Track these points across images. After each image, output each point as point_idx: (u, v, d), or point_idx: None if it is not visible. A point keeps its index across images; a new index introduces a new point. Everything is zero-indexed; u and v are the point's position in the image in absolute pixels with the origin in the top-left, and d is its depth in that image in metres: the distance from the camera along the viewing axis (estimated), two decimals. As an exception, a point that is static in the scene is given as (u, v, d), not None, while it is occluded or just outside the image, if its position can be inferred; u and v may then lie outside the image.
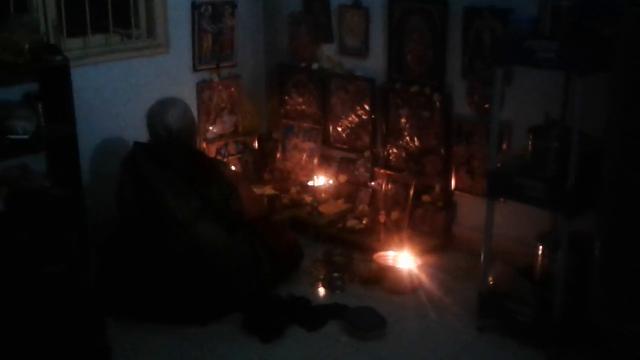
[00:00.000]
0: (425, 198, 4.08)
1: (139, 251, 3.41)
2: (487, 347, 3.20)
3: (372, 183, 4.29)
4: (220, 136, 4.61)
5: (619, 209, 2.75)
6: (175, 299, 3.34)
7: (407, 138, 4.19)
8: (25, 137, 3.43)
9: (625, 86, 2.65)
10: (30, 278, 2.90)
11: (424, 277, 3.72)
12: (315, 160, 4.57)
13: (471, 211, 3.94)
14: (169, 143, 3.61)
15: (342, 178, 4.44)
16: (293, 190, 4.51)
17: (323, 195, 4.42)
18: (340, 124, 4.50)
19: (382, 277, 3.69)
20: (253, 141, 4.75)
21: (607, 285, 2.83)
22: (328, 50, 4.49)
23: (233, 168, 4.55)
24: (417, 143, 4.15)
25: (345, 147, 4.50)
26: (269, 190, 4.50)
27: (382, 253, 3.84)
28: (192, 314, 3.35)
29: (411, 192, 4.09)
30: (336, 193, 4.43)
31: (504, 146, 3.68)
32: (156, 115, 3.66)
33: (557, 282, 3.00)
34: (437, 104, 3.97)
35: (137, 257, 3.41)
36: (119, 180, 3.57)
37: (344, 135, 4.50)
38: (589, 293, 2.92)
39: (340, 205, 4.35)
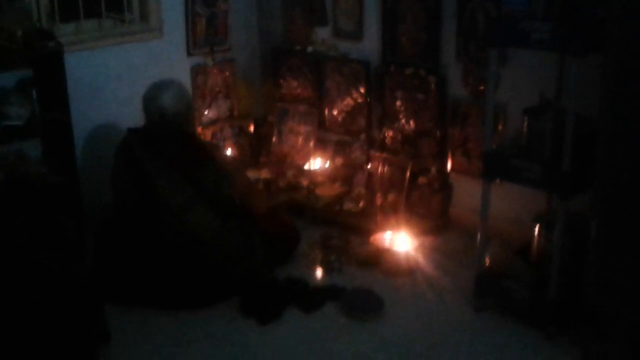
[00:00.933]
0: (422, 180, 4.09)
1: (134, 237, 3.42)
2: (484, 326, 3.22)
3: (368, 166, 4.29)
4: (216, 120, 4.60)
5: (614, 189, 2.76)
6: (170, 285, 3.35)
7: (403, 120, 4.19)
8: (20, 123, 3.43)
9: (617, 67, 2.65)
10: (25, 264, 2.90)
11: (420, 259, 3.74)
12: (311, 144, 4.58)
13: (467, 193, 3.95)
14: (162, 127, 3.55)
15: (338, 161, 4.45)
16: (289, 173, 4.51)
17: (319, 178, 4.43)
18: (335, 107, 4.50)
19: (379, 259, 3.71)
20: (248, 125, 4.74)
21: (603, 265, 2.84)
22: (322, 34, 4.48)
23: (230, 153, 4.55)
24: (412, 125, 4.15)
25: (341, 130, 4.50)
26: (265, 174, 4.51)
27: (378, 235, 3.86)
28: (188, 300, 3.36)
29: (407, 174, 4.10)
30: (332, 176, 4.43)
31: (500, 128, 3.69)
32: (151, 97, 3.59)
33: (553, 262, 3.02)
34: (432, 86, 3.97)
35: (132, 243, 3.42)
36: (114, 167, 3.57)
37: (339, 118, 4.50)
38: (584, 273, 2.94)
39: (337, 188, 4.35)
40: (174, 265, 3.35)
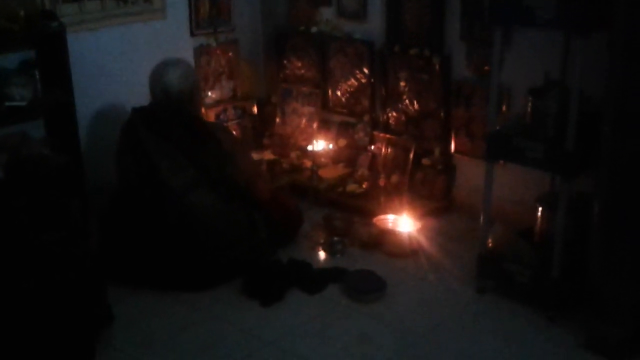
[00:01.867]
0: (425, 161, 4.08)
1: (137, 218, 3.42)
2: (486, 308, 3.23)
3: (372, 147, 4.28)
4: (219, 101, 4.59)
5: (618, 169, 2.74)
6: (174, 266, 3.36)
7: (407, 101, 4.17)
8: (23, 103, 3.42)
9: (623, 46, 2.63)
10: (30, 245, 2.91)
11: (423, 240, 3.73)
12: (315, 125, 4.56)
13: (471, 174, 3.93)
14: (166, 107, 3.54)
15: (342, 142, 4.44)
16: (293, 155, 4.51)
17: (323, 159, 4.42)
18: (339, 87, 4.48)
19: (382, 241, 3.71)
20: (252, 106, 4.73)
21: (606, 246, 2.84)
22: (326, 14, 4.44)
23: (234, 133, 4.53)
24: (416, 106, 4.13)
25: (344, 111, 4.48)
26: (268, 155, 4.50)
27: (382, 216, 3.85)
28: (191, 281, 3.37)
29: (411, 155, 4.09)
30: (336, 157, 4.43)
31: (504, 108, 3.67)
32: (157, 75, 3.58)
33: (556, 243, 3.01)
34: (436, 66, 3.95)
35: (136, 223, 3.42)
36: (118, 147, 3.56)
37: (343, 99, 4.48)
38: (587, 254, 2.93)
39: (340, 169, 4.35)
40: (177, 246, 3.35)
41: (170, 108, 3.54)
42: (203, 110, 4.43)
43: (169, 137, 3.47)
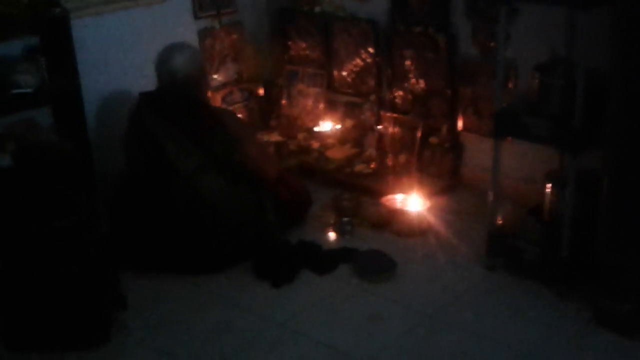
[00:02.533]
0: (432, 140, 4.07)
1: (146, 202, 3.44)
2: (496, 285, 3.23)
3: (379, 127, 4.27)
4: (225, 84, 4.57)
5: (626, 145, 2.73)
6: (183, 249, 3.38)
7: (413, 80, 4.15)
8: (29, 90, 3.42)
9: (627, 20, 2.60)
10: (41, 232, 2.93)
11: (432, 219, 3.73)
12: (321, 106, 4.55)
13: (478, 152, 3.93)
14: (172, 91, 3.53)
15: (349, 123, 4.43)
16: (300, 136, 4.50)
17: (330, 140, 4.41)
18: (344, 68, 4.46)
19: (391, 220, 3.71)
20: (258, 88, 4.72)
21: (614, 223, 2.83)
22: (330, -7, 4.42)
23: (241, 116, 4.52)
24: (422, 85, 4.11)
25: (350, 91, 4.46)
26: (275, 137, 4.50)
27: (390, 196, 3.86)
28: (201, 264, 3.39)
29: (418, 134, 4.08)
30: (343, 138, 4.42)
31: (510, 85, 3.65)
32: (163, 59, 3.56)
33: (565, 219, 3.01)
34: (442, 44, 3.92)
35: (145, 208, 3.44)
36: (125, 131, 3.57)
37: (349, 79, 4.46)
38: (596, 231, 2.93)
39: (348, 150, 4.34)
40: (186, 230, 3.37)
41: (176, 92, 3.53)
42: (209, 93, 4.43)
43: (176, 122, 3.47)
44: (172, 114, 3.49)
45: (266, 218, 3.54)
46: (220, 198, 3.41)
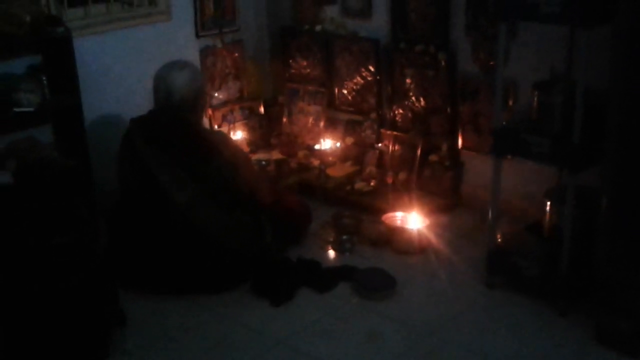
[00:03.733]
0: (433, 158, 4.08)
1: (141, 226, 3.39)
2: (496, 303, 3.22)
3: (379, 144, 4.28)
4: (226, 102, 4.60)
5: (625, 162, 2.74)
6: (181, 272, 3.34)
7: (413, 98, 4.17)
8: (31, 109, 3.44)
9: (627, 39, 2.62)
10: (41, 249, 2.93)
11: (432, 237, 3.73)
12: (322, 124, 4.57)
13: (478, 169, 3.93)
14: (166, 114, 3.44)
15: (349, 140, 4.44)
16: (300, 154, 4.51)
17: (330, 158, 4.42)
18: (345, 86, 4.48)
19: (391, 238, 3.71)
20: (259, 106, 4.74)
21: (614, 239, 2.83)
22: (331, 12, 4.45)
23: (238, 136, 4.51)
24: (422, 103, 4.13)
25: (351, 109, 4.48)
26: (276, 154, 4.51)
27: (390, 214, 3.85)
28: (199, 287, 3.36)
29: (418, 152, 4.09)
30: (343, 156, 4.43)
31: (510, 103, 3.66)
32: (161, 76, 3.49)
33: (565, 236, 3.00)
34: (442, 62, 3.94)
35: (140, 231, 3.40)
36: (118, 157, 3.51)
37: (349, 97, 4.48)
38: (596, 246, 2.92)
39: (348, 167, 4.35)
40: (183, 254, 3.33)
41: (170, 116, 3.44)
42: (210, 111, 4.44)
43: (169, 151, 3.36)
44: (165, 143, 3.39)
45: (264, 240, 3.51)
46: (216, 227, 3.35)
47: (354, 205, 4.05)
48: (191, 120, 3.52)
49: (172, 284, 3.37)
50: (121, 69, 4.04)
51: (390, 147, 4.22)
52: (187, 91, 3.47)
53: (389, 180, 4.11)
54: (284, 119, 4.72)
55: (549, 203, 3.20)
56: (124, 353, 2.99)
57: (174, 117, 3.46)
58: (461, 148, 4.04)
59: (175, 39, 4.26)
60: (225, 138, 3.83)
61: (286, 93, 4.72)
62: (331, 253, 3.71)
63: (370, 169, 4.26)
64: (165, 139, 3.41)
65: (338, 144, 4.46)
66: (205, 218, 3.35)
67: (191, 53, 4.34)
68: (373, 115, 4.34)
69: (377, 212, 3.92)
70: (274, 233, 3.55)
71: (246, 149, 4.43)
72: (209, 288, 3.37)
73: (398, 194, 4.03)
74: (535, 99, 3.08)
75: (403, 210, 3.86)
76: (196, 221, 3.32)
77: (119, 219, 3.53)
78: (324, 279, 3.43)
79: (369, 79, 4.33)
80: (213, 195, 3.38)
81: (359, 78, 4.39)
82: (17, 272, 2.94)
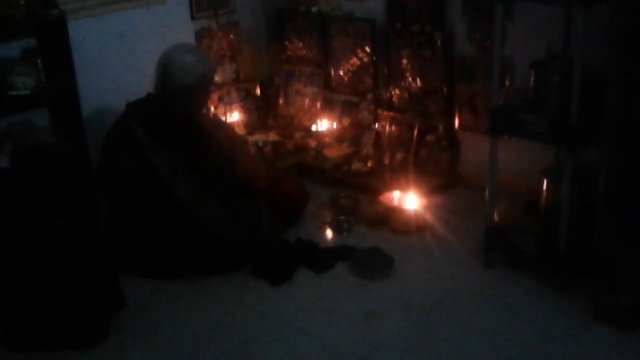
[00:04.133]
0: (430, 138, 4.08)
1: (139, 213, 3.38)
2: (494, 280, 3.24)
3: (376, 125, 4.28)
4: (222, 84, 4.58)
5: (622, 139, 2.74)
6: (180, 260, 3.34)
7: (410, 79, 4.16)
8: (27, 92, 3.43)
9: (623, 17, 2.61)
10: (39, 232, 2.93)
11: (430, 217, 3.74)
12: (318, 105, 4.56)
13: (475, 149, 3.93)
14: (164, 101, 3.38)
15: (346, 121, 4.44)
16: (297, 135, 4.51)
17: (327, 139, 4.42)
18: (341, 67, 4.47)
19: (389, 218, 3.72)
20: (255, 88, 4.73)
21: (612, 216, 2.84)
22: (326, -7, 4.43)
23: (236, 118, 4.49)
24: (419, 83, 4.12)
25: (347, 90, 4.47)
26: (272, 136, 4.51)
27: (387, 194, 3.87)
28: (198, 272, 3.36)
29: (415, 132, 4.09)
30: (340, 137, 4.43)
31: (507, 83, 3.66)
32: (162, 60, 3.42)
33: (562, 213, 3.02)
34: (438, 42, 3.94)
35: (138, 217, 3.39)
36: (109, 143, 3.43)
37: (346, 78, 4.47)
38: (593, 224, 2.94)
39: (345, 148, 4.35)
40: (182, 243, 3.32)
41: (169, 101, 3.39)
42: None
43: (166, 140, 3.32)
44: (163, 131, 3.33)
45: (262, 227, 3.49)
46: (215, 220, 3.33)
47: (351, 186, 4.06)
48: (190, 108, 3.45)
49: (170, 270, 3.36)
50: (116, 52, 4.01)
51: (387, 127, 4.22)
52: (189, 78, 3.41)
53: (386, 160, 4.12)
54: (281, 101, 4.71)
55: (546, 181, 3.21)
56: (124, 334, 3.00)
57: (173, 104, 3.39)
58: (458, 128, 4.04)
59: (170, 21, 4.23)
60: (222, 125, 3.73)
61: (282, 75, 4.71)
62: (329, 233, 3.72)
63: (367, 149, 4.26)
64: (163, 127, 3.35)
65: (335, 125, 4.46)
66: (204, 212, 3.32)
67: (186, 35, 4.32)
68: (370, 96, 4.34)
69: (375, 192, 3.93)
70: (271, 216, 3.55)
71: (242, 131, 4.43)
72: (208, 273, 3.37)
73: (395, 174, 4.03)
74: (532, 78, 3.08)
75: (400, 191, 3.87)
76: (195, 215, 3.30)
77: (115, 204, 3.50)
78: (322, 259, 3.45)
79: (365, 60, 4.32)
80: (211, 187, 3.35)
81: (355, 59, 4.38)
82: (17, 255, 2.95)
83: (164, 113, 3.42)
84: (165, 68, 3.43)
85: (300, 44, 4.61)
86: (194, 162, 3.33)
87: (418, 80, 4.12)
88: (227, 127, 3.80)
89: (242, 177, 3.50)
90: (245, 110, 4.65)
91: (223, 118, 4.36)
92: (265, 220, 3.52)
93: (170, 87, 3.42)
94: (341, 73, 4.48)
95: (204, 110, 3.65)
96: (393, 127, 4.21)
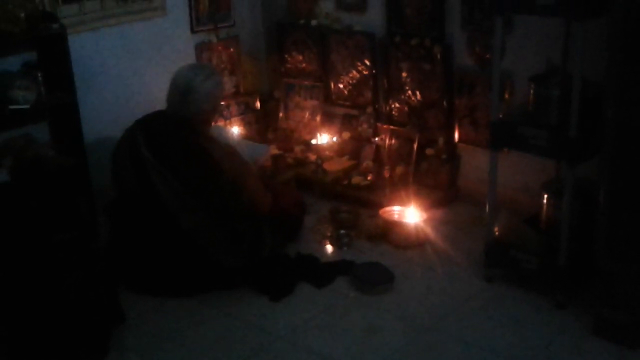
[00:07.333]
0: (429, 152, 4.08)
1: (139, 228, 3.37)
2: (494, 296, 3.23)
3: (376, 139, 4.28)
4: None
5: (622, 154, 2.74)
6: (180, 280, 3.33)
7: (409, 92, 4.16)
8: (27, 106, 3.43)
9: (623, 30, 2.62)
10: (39, 246, 2.93)
11: (430, 231, 3.73)
12: (318, 118, 4.56)
13: (475, 163, 3.93)
14: (175, 124, 3.31)
15: (346, 135, 4.44)
16: (297, 149, 4.51)
17: (327, 152, 4.42)
18: (341, 80, 4.47)
19: (389, 232, 3.71)
20: (255, 101, 4.73)
21: (612, 231, 2.84)
22: (326, 6, 4.44)
23: (236, 132, 4.48)
24: (419, 97, 4.13)
25: (347, 103, 4.48)
26: (273, 149, 4.50)
27: (387, 208, 3.86)
28: (198, 289, 3.35)
29: (415, 146, 4.09)
30: (340, 150, 4.43)
31: (506, 96, 3.66)
32: (180, 81, 3.30)
33: (563, 228, 3.01)
34: (438, 56, 3.94)
35: (138, 232, 3.37)
36: (118, 158, 3.41)
37: (345, 91, 4.48)
38: (594, 238, 2.93)
39: (345, 162, 4.35)
40: (184, 264, 3.31)
41: (180, 125, 3.32)
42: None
43: (172, 167, 3.24)
44: (169, 157, 3.26)
45: (263, 245, 3.46)
46: (218, 245, 3.30)
47: (351, 200, 4.05)
48: (199, 134, 3.35)
49: (170, 289, 3.34)
50: (117, 65, 4.03)
51: (387, 141, 4.22)
52: (210, 104, 3.36)
53: (386, 174, 4.11)
54: (280, 114, 4.72)
55: (546, 196, 3.21)
56: (124, 350, 2.99)
57: (182, 129, 3.32)
58: (458, 141, 4.04)
59: (170, 35, 4.25)
60: (226, 151, 3.47)
61: (282, 88, 4.72)
62: (329, 248, 3.71)
63: (367, 163, 4.26)
64: (171, 152, 3.27)
65: (335, 139, 4.46)
66: (207, 238, 3.28)
67: (187, 48, 4.33)
68: (369, 109, 4.34)
69: (375, 206, 3.92)
70: (273, 238, 3.52)
71: (243, 144, 4.42)
72: (208, 291, 3.35)
73: (395, 188, 4.03)
74: (532, 91, 3.08)
75: (400, 204, 3.86)
76: (197, 242, 3.27)
77: (118, 219, 3.48)
78: (322, 274, 3.44)
79: (365, 73, 4.33)
80: (215, 215, 3.29)
81: (354, 72, 4.38)
82: (17, 269, 2.94)
83: (173, 137, 3.33)
84: (186, 95, 3.30)
85: (300, 57, 4.62)
86: (199, 193, 3.26)
87: (418, 93, 4.12)
88: (234, 155, 3.55)
89: (247, 203, 3.45)
90: (245, 123, 4.65)
91: (228, 134, 4.26)
92: (267, 245, 3.49)
93: (189, 113, 3.32)
94: (341, 86, 4.49)
95: (210, 130, 3.56)
96: (393, 141, 4.21)
